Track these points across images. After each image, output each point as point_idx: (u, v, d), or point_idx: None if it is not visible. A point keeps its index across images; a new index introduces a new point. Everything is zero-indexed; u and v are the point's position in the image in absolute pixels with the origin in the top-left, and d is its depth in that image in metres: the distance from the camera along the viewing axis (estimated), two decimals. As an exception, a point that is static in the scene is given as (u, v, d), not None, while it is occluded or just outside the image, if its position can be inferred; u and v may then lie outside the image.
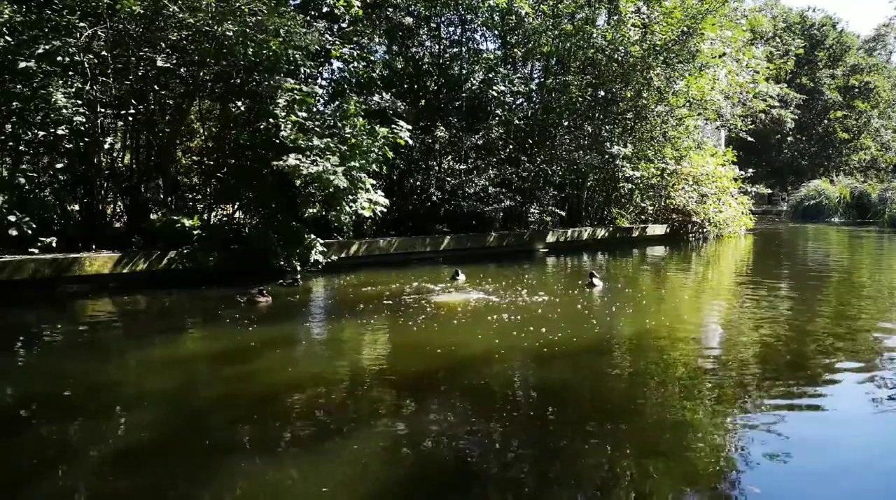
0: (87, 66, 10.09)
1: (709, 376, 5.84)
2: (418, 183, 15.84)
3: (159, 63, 10.64)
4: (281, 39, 10.59)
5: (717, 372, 5.98)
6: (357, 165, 11.02)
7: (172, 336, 7.30)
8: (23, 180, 9.44)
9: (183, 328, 7.88)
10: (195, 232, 10.87)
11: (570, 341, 6.90)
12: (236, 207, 13.07)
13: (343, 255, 12.81)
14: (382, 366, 6.28)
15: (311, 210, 11.71)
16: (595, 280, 10.24)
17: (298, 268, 11.37)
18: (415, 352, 6.52)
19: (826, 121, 45.46)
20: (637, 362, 6.30)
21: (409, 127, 12.32)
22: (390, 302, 8.95)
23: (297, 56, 11.21)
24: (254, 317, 7.99)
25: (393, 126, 11.98)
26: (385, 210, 12.12)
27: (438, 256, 14.30)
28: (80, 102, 9.69)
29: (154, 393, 5.37)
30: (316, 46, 11.43)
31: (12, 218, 9.22)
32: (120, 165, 12.30)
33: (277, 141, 10.78)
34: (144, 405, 5.09)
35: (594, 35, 16.71)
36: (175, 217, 10.95)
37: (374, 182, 11.86)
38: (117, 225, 12.16)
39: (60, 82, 9.50)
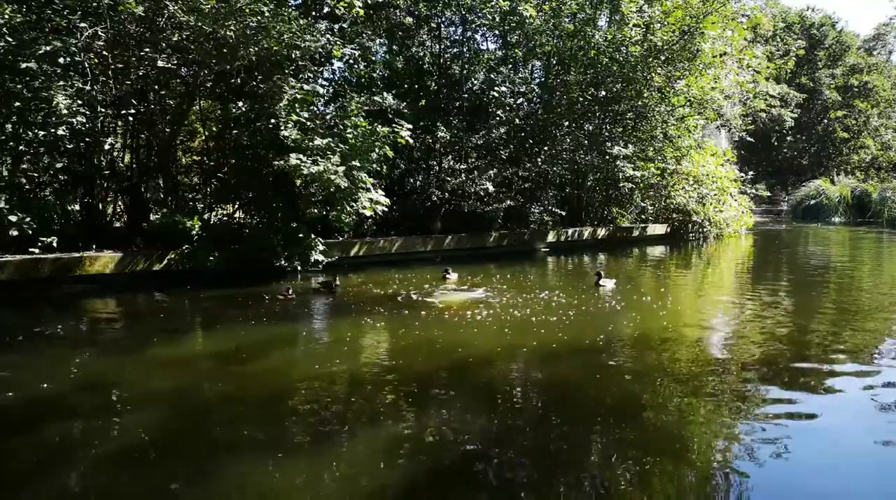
0: (87, 66, 10.08)
1: (712, 376, 5.83)
2: (419, 183, 15.82)
3: (160, 63, 10.62)
4: (284, 42, 10.57)
5: (721, 372, 5.97)
6: (358, 164, 11.00)
7: (174, 336, 7.30)
8: (23, 180, 9.43)
9: (184, 328, 7.87)
10: (195, 232, 10.86)
11: (573, 340, 6.89)
12: (237, 206, 13.06)
13: (344, 255, 12.81)
14: (385, 365, 6.27)
15: (311, 210, 11.71)
16: (603, 280, 10.18)
17: (299, 268, 11.36)
18: (417, 351, 6.51)
19: (826, 120, 45.44)
20: (641, 362, 6.29)
21: (410, 126, 12.29)
22: (392, 301, 8.95)
23: (297, 56, 11.19)
24: (254, 317, 7.99)
25: (394, 125, 11.97)
26: (386, 209, 12.10)
27: (437, 255, 14.31)
28: (80, 102, 9.67)
29: (157, 393, 5.36)
30: (319, 50, 11.43)
31: (13, 218, 9.21)
32: (120, 164, 12.29)
33: (278, 141, 10.79)
34: (147, 405, 5.07)
35: (595, 35, 16.69)
36: (175, 217, 10.94)
37: (375, 182, 11.84)
38: (118, 225, 12.15)
39: (61, 83, 9.48)
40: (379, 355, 6.73)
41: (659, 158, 18.76)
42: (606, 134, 18.10)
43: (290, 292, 9.25)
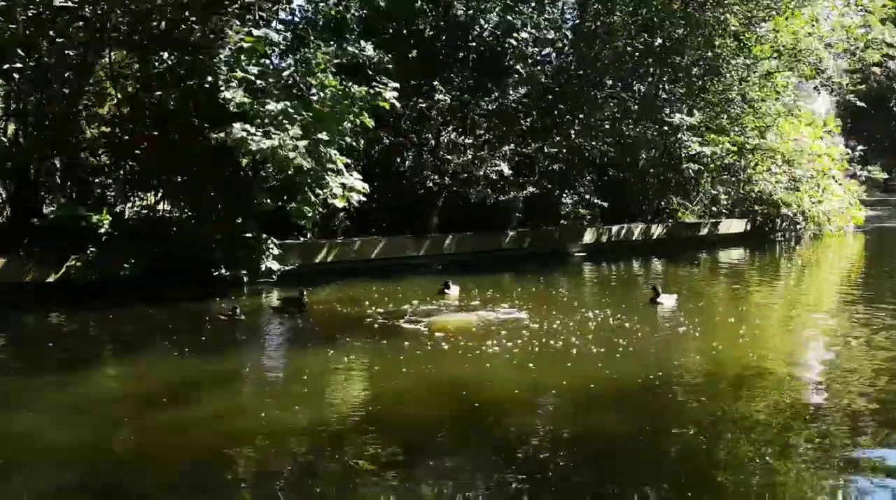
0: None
1: (808, 431, 5.81)
2: (409, 163, 15.80)
3: (56, 1, 10.61)
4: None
5: (820, 425, 5.94)
6: (326, 137, 10.99)
7: (75, 372, 7.27)
8: None
9: (89, 361, 7.83)
10: (104, 229, 10.84)
11: (620, 379, 6.89)
12: (160, 196, 13.05)
13: (307, 261, 12.81)
14: (359, 415, 6.26)
15: (263, 200, 11.70)
16: (662, 296, 10.25)
17: (246, 279, 11.37)
18: (405, 395, 6.50)
19: (964, 78, 45.38)
20: (711, 409, 6.27)
21: (397, 86, 12.30)
22: (370, 325, 8.94)
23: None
24: (185, 346, 7.99)
25: (374, 85, 11.96)
26: (364, 198, 12.07)
27: (436, 262, 14.31)
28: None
29: (50, 451, 5.33)
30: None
31: None
32: (2, 138, 12.28)
33: (217, 106, 10.75)
34: (37, 468, 5.05)
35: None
36: (77, 210, 10.90)
37: (349, 162, 11.82)
38: (-1, 220, 12.16)
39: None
40: (352, 399, 6.71)
41: (736, 129, 18.72)
42: (664, 97, 18.06)
43: (237, 311, 9.24)
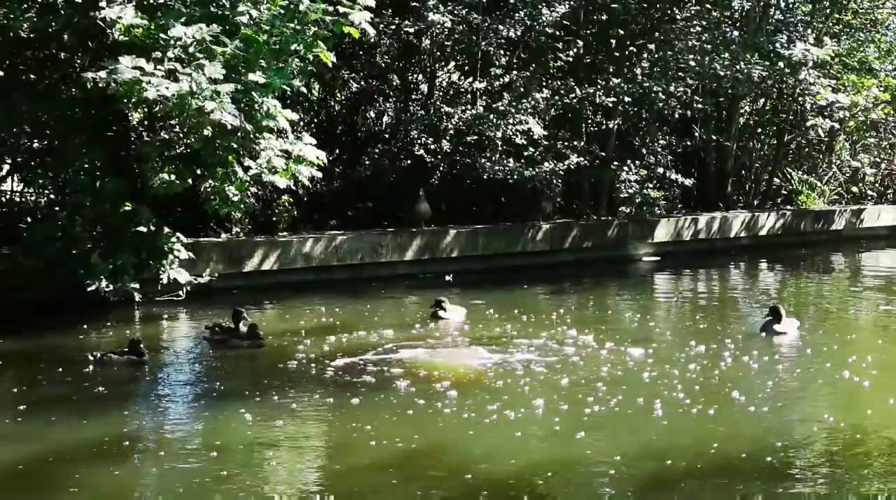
0: None
1: None
2: (388, 120, 15.78)
3: None
4: None
5: None
6: (261, 79, 10.96)
7: None
8: None
9: None
10: None
11: (715, 453, 6.81)
12: (8, 169, 13.09)
13: (232, 269, 12.92)
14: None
15: (164, 177, 11.68)
16: (781, 322, 10.34)
17: (138, 296, 11.39)
18: (374, 482, 6.42)
19: None
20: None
21: (371, 2, 12.30)
22: (323, 371, 9.00)
23: None
24: (44, 403, 7.93)
25: (336, 2, 11.94)
26: (319, 175, 12.11)
27: (427, 270, 14.47)
28: None
29: None
30: None
31: None
32: None
33: (95, 31, 10.78)
34: None
35: None
36: None
37: (297, 117, 11.80)
38: None
39: None
40: (290, 491, 6.64)
41: (890, 66, 18.73)
42: (778, 16, 18.06)
43: (143, 348, 9.28)
